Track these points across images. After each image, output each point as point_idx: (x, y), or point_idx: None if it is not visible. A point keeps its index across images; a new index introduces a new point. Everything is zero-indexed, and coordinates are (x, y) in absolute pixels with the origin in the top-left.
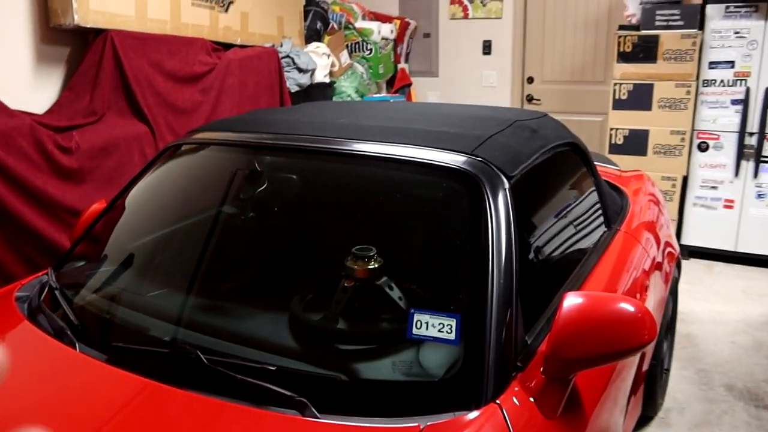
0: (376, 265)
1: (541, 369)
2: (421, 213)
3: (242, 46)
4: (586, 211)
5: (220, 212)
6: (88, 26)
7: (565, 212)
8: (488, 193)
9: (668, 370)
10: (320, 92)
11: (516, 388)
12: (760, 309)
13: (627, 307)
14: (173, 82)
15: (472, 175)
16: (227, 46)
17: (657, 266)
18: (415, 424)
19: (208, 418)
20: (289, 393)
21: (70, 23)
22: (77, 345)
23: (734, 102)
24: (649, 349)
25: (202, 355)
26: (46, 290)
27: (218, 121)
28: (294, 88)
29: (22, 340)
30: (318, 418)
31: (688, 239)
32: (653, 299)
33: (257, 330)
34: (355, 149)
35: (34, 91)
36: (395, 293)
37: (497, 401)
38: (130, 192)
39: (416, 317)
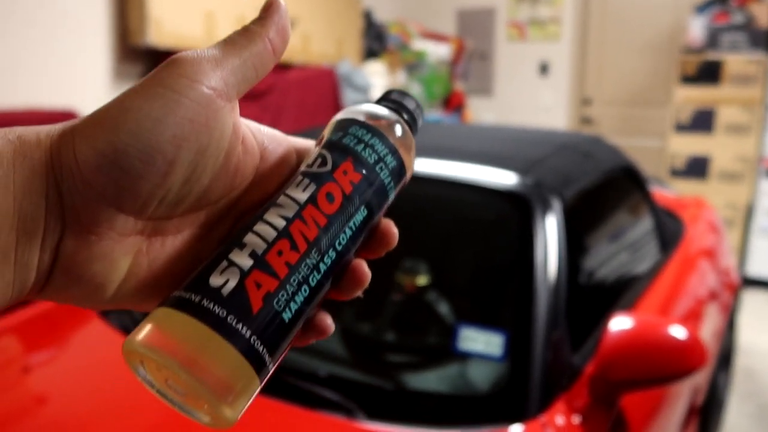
0: (425, 281)
1: (587, 390)
2: (471, 231)
3: (302, 66)
4: (639, 235)
5: None
6: (161, 47)
7: (617, 235)
8: (539, 214)
9: (725, 404)
10: None
11: (561, 407)
12: None
13: (676, 331)
14: None
15: (523, 196)
16: (287, 65)
17: (713, 295)
18: None
19: (260, 416)
20: (338, 397)
21: (145, 43)
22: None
23: None
24: (703, 382)
25: None
26: None
27: None
28: None
29: (93, 335)
30: (365, 422)
31: (753, 270)
32: (708, 329)
33: None
34: None
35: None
36: (443, 308)
37: (541, 419)
38: None
39: (463, 332)
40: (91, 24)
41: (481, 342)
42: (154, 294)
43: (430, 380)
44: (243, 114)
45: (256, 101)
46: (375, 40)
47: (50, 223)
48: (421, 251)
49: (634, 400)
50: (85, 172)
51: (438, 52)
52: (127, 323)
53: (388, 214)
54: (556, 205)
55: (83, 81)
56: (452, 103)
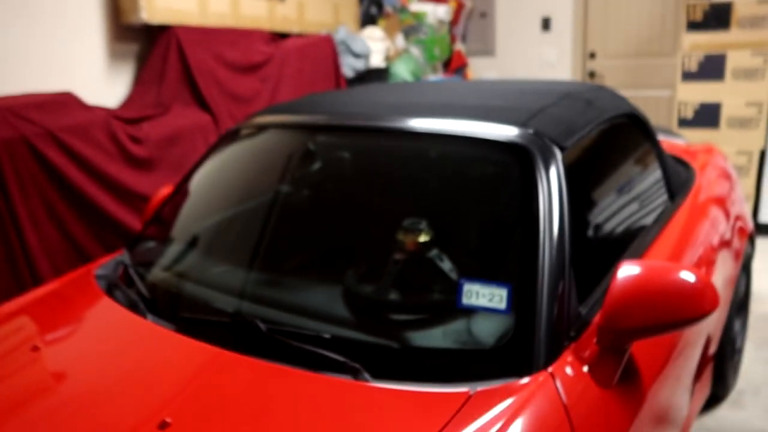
0: (427, 238)
1: (596, 339)
2: (471, 186)
3: (299, 35)
4: (647, 183)
5: (279, 192)
6: (155, 23)
7: (623, 184)
8: (540, 164)
9: (741, 350)
10: (376, 77)
11: (569, 358)
12: None
13: (686, 275)
14: (234, 73)
15: (523, 147)
16: (284, 36)
17: (726, 242)
18: (465, 390)
19: (267, 381)
20: (342, 358)
21: (139, 21)
22: (148, 315)
23: None
24: (717, 329)
25: (259, 323)
26: (121, 268)
27: (275, 105)
28: (350, 74)
29: (102, 312)
30: (371, 381)
31: (766, 216)
32: (721, 275)
33: (313, 301)
34: (406, 125)
35: (108, 86)
36: (446, 265)
37: (549, 369)
38: (194, 176)
39: (466, 287)
40: (82, 4)
41: (485, 296)
42: None
43: (434, 337)
44: (242, 87)
45: (255, 73)
46: (372, 4)
47: None
48: (421, 209)
49: (644, 348)
50: None
51: (437, 12)
52: (134, 300)
53: (384, 174)
54: (558, 154)
55: (78, 62)
56: (453, 64)
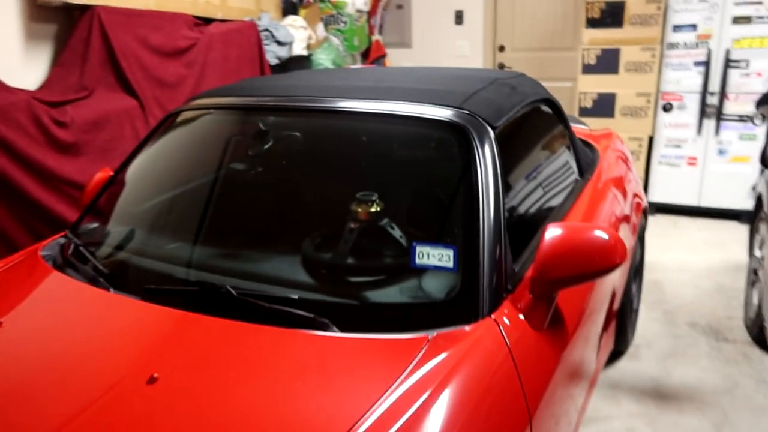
0: (378, 209)
1: (529, 290)
2: (416, 161)
3: (222, 21)
4: (562, 160)
5: (232, 169)
6: (75, 2)
7: (543, 160)
8: (476, 141)
9: (637, 310)
10: (298, 65)
11: (507, 307)
12: (721, 256)
13: (601, 234)
14: (158, 57)
15: (461, 126)
16: (208, 21)
17: (625, 216)
18: (424, 335)
19: (244, 338)
20: (312, 315)
21: (58, 0)
22: (111, 289)
23: (697, 64)
24: (620, 289)
25: (231, 289)
26: (72, 247)
27: (216, 88)
28: (273, 61)
29: (61, 287)
30: (340, 334)
31: (655, 196)
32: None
33: (274, 269)
34: (355, 107)
35: (25, 68)
36: (396, 232)
37: (492, 316)
38: (138, 157)
39: (418, 249)
40: None
41: (435, 257)
42: None
43: (392, 294)
44: (167, 72)
45: (180, 58)
46: None
47: None
48: (371, 183)
49: (565, 301)
50: None
51: (356, 3)
52: (93, 275)
53: (335, 152)
54: (491, 132)
55: None
56: (373, 54)
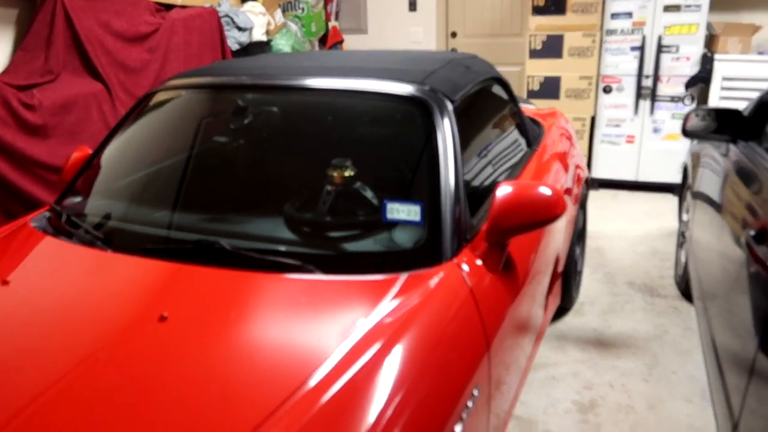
0: (352, 173)
1: (485, 239)
2: (384, 132)
3: (183, 7)
4: (512, 132)
5: (216, 142)
6: None
7: (495, 131)
8: (437, 113)
9: (581, 272)
10: (259, 50)
11: (466, 253)
12: (656, 225)
13: (545, 189)
14: (122, 42)
15: (423, 100)
16: (168, 7)
17: (567, 190)
18: (396, 275)
19: (241, 283)
20: (298, 262)
21: None
22: (108, 249)
23: (633, 49)
24: (564, 250)
25: (224, 243)
26: (63, 216)
27: (192, 70)
28: (234, 47)
29: (57, 250)
30: (323, 276)
31: (597, 172)
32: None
33: (261, 230)
34: (328, 84)
35: None
36: (368, 193)
37: (454, 260)
38: (120, 134)
39: (389, 206)
40: None
41: (404, 212)
42: None
43: (368, 244)
44: (131, 57)
45: (142, 44)
46: None
47: None
48: (344, 152)
49: (516, 253)
50: None
51: None
52: (89, 239)
53: (309, 126)
54: (449, 106)
55: None
56: (330, 40)
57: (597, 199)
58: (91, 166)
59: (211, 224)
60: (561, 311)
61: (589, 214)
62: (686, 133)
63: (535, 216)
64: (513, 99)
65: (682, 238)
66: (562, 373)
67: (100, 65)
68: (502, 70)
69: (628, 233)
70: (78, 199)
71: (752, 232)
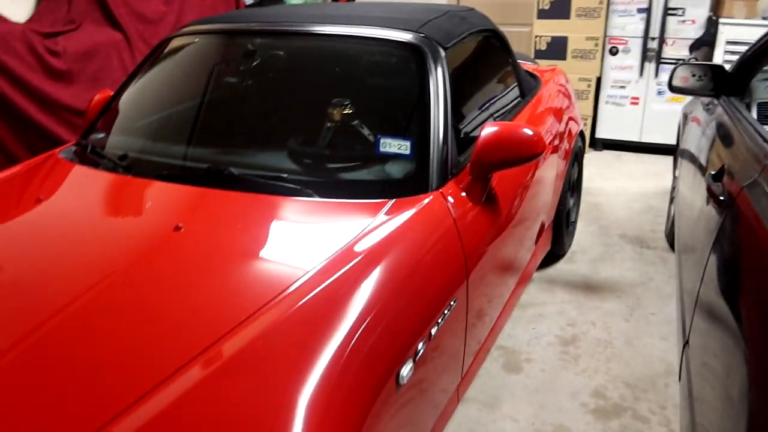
0: (350, 111)
1: (469, 173)
2: (381, 74)
3: None
4: (505, 81)
5: (227, 82)
6: None
7: (487, 78)
8: (430, 59)
9: (575, 222)
10: (272, 3)
11: (451, 185)
12: (655, 184)
13: (527, 130)
14: None
15: (418, 46)
16: None
17: (559, 134)
18: (386, 200)
19: (248, 202)
20: (299, 186)
21: None
22: (130, 174)
23: (639, 10)
24: (553, 204)
25: (233, 170)
26: (89, 147)
27: (206, 18)
28: (248, 1)
29: (84, 176)
30: (320, 199)
31: (602, 133)
32: (556, 157)
33: (266, 161)
34: (331, 30)
35: (12, 2)
36: (365, 130)
37: (440, 190)
38: (139, 77)
39: (382, 140)
40: None
41: (395, 146)
42: None
43: (361, 174)
44: (149, 9)
45: None
46: None
47: None
48: (344, 92)
49: (502, 194)
50: None
51: None
52: (113, 167)
53: (313, 68)
54: (442, 52)
55: None
56: None
57: (600, 159)
58: (111, 107)
59: (224, 155)
60: (554, 258)
61: (592, 173)
62: (672, 88)
63: (516, 153)
64: (509, 51)
65: (673, 193)
66: (548, 311)
67: (120, 16)
68: (510, 29)
69: (626, 191)
70: (101, 135)
71: (712, 172)
